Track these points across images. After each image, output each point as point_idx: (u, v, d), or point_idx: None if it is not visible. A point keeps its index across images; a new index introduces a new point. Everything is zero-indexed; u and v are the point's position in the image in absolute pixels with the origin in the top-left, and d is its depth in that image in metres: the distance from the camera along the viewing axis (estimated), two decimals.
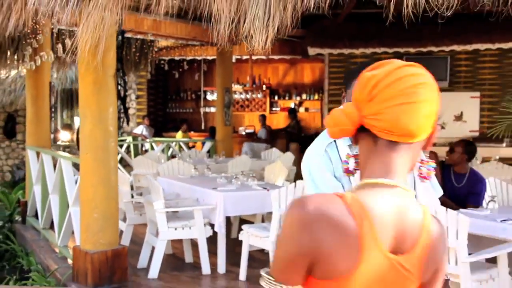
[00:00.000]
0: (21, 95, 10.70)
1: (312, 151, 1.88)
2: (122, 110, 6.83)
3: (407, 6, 2.49)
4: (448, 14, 2.49)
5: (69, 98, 12.16)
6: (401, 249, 1.06)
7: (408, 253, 1.07)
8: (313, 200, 1.04)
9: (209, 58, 11.10)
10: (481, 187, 4.60)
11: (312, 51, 9.94)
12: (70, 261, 5.36)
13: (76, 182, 5.36)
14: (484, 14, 2.96)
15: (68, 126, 11.34)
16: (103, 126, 4.66)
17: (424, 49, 9.64)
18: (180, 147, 10.27)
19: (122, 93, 6.81)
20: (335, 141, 1.83)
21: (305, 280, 1.07)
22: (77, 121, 12.89)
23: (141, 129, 11.34)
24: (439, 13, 2.51)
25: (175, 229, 5.03)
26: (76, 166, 5.50)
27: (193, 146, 11.34)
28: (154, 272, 4.95)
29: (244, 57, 11.06)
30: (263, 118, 11.93)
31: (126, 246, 4.97)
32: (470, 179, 4.72)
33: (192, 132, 12.35)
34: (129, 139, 10.43)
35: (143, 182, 7.29)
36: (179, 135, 11.58)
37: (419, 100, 1.08)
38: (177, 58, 11.09)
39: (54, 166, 6.30)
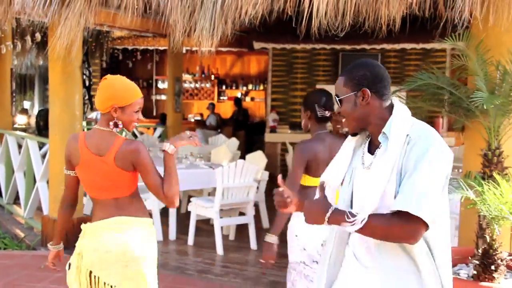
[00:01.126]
0: None
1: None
2: (87, 97, 7.46)
3: (314, 25, 3.36)
4: (341, 34, 3.40)
5: (22, 83, 12.52)
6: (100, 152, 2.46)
7: (104, 156, 2.44)
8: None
9: (161, 48, 11.76)
10: None
11: (257, 45, 10.79)
12: (36, 230, 6.05)
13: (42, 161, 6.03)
14: (412, 18, 3.66)
15: (24, 111, 11.72)
16: (70, 110, 5.37)
17: (358, 47, 10.67)
18: (133, 133, 10.92)
19: (87, 82, 7.44)
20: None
21: None
22: (26, 105, 13.24)
23: (95, 115, 11.88)
24: (335, 32, 3.41)
25: None
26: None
27: (142, 133, 12.00)
28: None
29: (194, 49, 11.78)
30: (212, 106, 12.71)
31: (88, 215, 5.70)
32: None
33: (143, 118, 12.99)
34: (83, 123, 10.98)
35: None
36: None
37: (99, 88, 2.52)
38: (130, 47, 11.70)
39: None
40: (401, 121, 1.87)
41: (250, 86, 13.74)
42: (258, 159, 6.67)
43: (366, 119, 1.95)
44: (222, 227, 5.69)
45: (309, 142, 3.11)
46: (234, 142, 8.95)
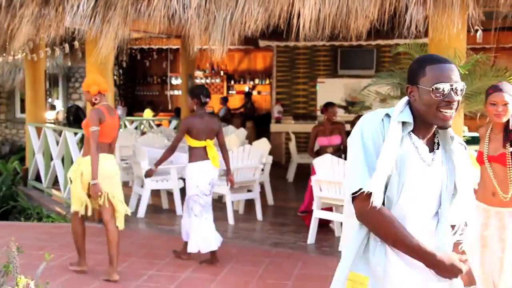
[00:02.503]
0: (7, 79, 12.16)
1: (367, 119, 1.92)
2: (118, 94, 8.51)
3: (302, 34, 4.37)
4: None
5: (51, 82, 13.60)
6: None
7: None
8: None
9: (174, 47, 12.79)
10: None
11: (262, 43, 11.79)
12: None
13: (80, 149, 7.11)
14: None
15: (53, 107, 12.81)
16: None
17: (354, 43, 11.63)
18: (149, 124, 12.00)
19: (117, 81, 8.47)
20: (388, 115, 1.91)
21: None
22: (54, 102, 14.32)
23: (120, 111, 12.96)
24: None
25: (156, 181, 6.86)
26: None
27: (160, 124, 13.05)
28: (141, 212, 6.78)
29: (204, 47, 12.80)
30: (224, 100, 13.72)
31: None
32: None
33: (161, 113, 14.07)
34: None
35: (123, 152, 9.03)
36: (147, 114, 13.25)
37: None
38: (146, 47, 12.75)
39: None
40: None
41: (256, 81, 14.75)
42: (263, 145, 7.69)
43: None
44: (232, 202, 6.73)
45: (191, 117, 5.06)
46: (243, 132, 9.97)
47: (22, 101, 13.92)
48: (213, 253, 5.04)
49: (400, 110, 1.91)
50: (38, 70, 8.88)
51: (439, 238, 1.94)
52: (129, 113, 13.72)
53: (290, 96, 12.01)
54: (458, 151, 1.96)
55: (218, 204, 7.34)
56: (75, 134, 7.54)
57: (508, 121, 3.32)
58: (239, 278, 4.68)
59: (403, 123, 1.89)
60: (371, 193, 1.80)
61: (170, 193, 7.24)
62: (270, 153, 7.77)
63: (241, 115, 13.74)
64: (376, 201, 1.81)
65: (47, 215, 7.23)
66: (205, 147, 5.01)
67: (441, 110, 1.86)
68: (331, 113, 7.01)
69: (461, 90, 1.89)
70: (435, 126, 1.92)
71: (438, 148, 1.96)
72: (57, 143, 7.95)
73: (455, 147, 1.95)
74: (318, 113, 10.95)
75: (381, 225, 1.84)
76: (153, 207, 7.29)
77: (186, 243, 5.10)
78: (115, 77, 7.98)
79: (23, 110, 14.03)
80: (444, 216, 1.95)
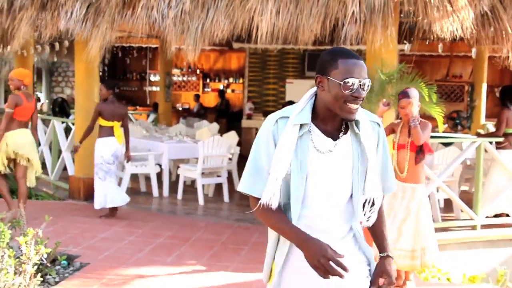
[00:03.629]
0: None
1: (264, 123, 2.01)
2: None
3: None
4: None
5: (34, 76, 14.31)
6: None
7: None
8: None
9: (153, 46, 13.62)
10: None
11: (235, 45, 12.70)
12: (61, 189, 7.96)
13: (67, 138, 7.96)
14: None
15: (38, 99, 13.52)
16: (91, 99, 7.28)
17: (321, 47, 12.63)
18: (130, 118, 12.82)
19: (101, 77, 9.29)
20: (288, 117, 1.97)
21: None
22: (38, 94, 14.96)
23: None
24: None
25: (136, 166, 7.75)
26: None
27: (137, 119, 13.87)
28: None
29: (182, 47, 13.69)
30: (197, 97, 14.62)
31: None
32: None
33: (138, 107, 14.90)
34: None
35: None
36: None
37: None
38: (126, 45, 13.57)
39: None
40: (360, 109, 2.02)
41: (231, 80, 15.67)
42: (231, 137, 8.63)
43: None
44: (203, 186, 7.65)
45: (104, 103, 6.39)
46: (215, 126, 10.88)
47: (6, 92, 14.60)
48: (114, 209, 6.50)
49: (299, 110, 1.97)
50: (27, 64, 9.64)
51: (356, 221, 2.02)
52: None
53: (261, 95, 12.97)
54: (366, 132, 1.99)
55: (190, 189, 8.26)
56: (62, 123, 8.36)
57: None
58: (205, 243, 5.62)
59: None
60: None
61: (147, 178, 8.13)
62: (239, 145, 8.70)
63: (215, 111, 14.65)
64: (266, 202, 1.93)
65: (35, 194, 8.04)
66: (112, 127, 6.41)
67: (348, 103, 1.90)
68: None
69: (367, 87, 1.93)
70: None
71: (346, 133, 2.00)
72: (44, 132, 8.76)
73: (363, 129, 1.99)
74: None
75: (266, 219, 1.98)
76: (131, 191, 8.16)
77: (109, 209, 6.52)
78: (100, 73, 8.74)
79: (5, 101, 14.74)
80: (356, 199, 2.00)
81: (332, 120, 1.99)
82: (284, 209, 2.00)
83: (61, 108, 10.63)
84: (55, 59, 11.44)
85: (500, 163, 6.28)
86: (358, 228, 2.04)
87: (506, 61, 5.92)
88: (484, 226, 6.24)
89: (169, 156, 7.86)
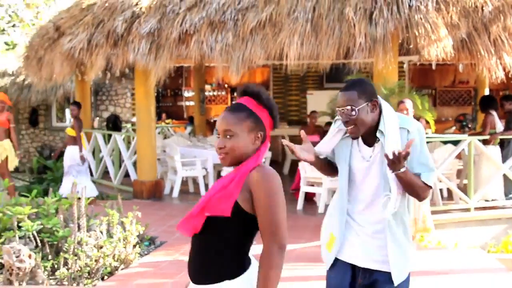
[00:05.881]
0: (50, 94, 14.62)
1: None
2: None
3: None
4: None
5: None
6: None
7: None
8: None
9: (185, 65, 15.23)
10: None
11: (259, 62, 14.22)
12: (119, 196, 9.54)
13: (128, 148, 9.55)
14: None
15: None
16: (149, 116, 8.86)
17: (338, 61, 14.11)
18: (168, 130, 14.44)
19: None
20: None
21: None
22: None
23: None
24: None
25: (186, 170, 9.30)
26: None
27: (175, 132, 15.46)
28: (175, 193, 9.20)
29: (212, 65, 15.29)
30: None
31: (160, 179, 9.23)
32: None
33: (174, 120, 16.54)
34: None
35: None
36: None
37: None
38: None
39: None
40: (390, 118, 2.48)
41: None
42: None
43: (372, 124, 2.49)
44: None
45: (77, 119, 8.56)
46: None
47: (57, 111, 16.36)
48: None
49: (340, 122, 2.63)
50: (85, 87, 11.33)
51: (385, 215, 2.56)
52: None
53: (285, 105, 14.48)
54: (390, 140, 2.45)
55: None
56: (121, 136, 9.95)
57: None
58: None
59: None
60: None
61: (195, 182, 9.68)
62: (269, 151, 10.21)
63: None
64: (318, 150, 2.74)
65: (102, 196, 9.62)
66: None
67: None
68: (313, 118, 9.51)
69: (350, 114, 2.46)
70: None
71: (378, 141, 2.52)
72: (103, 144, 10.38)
73: (387, 138, 2.46)
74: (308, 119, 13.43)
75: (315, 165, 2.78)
76: (181, 192, 9.69)
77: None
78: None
79: (58, 120, 16.50)
80: (382, 196, 2.55)
81: (369, 133, 2.56)
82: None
83: (114, 123, 12.28)
84: (107, 82, 13.07)
85: (486, 156, 7.67)
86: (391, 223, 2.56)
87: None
88: (477, 209, 7.61)
89: (213, 161, 9.39)
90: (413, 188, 2.48)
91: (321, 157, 2.75)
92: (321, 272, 5.22)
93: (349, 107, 2.45)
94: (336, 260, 2.69)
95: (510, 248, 6.39)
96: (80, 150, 8.58)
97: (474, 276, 5.27)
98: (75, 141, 8.58)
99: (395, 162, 2.38)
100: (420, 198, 2.54)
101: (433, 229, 5.95)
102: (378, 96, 2.53)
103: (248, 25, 7.00)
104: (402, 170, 2.39)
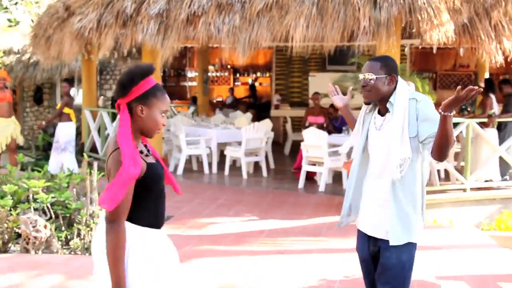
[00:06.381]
0: (55, 72, 14.78)
1: None
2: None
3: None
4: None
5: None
6: None
7: None
8: None
9: (189, 46, 15.36)
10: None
11: (264, 42, 14.36)
12: None
13: None
14: None
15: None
16: None
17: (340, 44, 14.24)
18: (172, 110, 14.63)
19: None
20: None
21: None
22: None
23: None
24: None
25: (190, 148, 9.52)
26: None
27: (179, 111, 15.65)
28: (180, 171, 9.43)
29: (215, 45, 15.42)
30: (231, 90, 16.39)
31: (165, 157, 9.45)
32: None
33: (177, 100, 16.72)
34: None
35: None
36: None
37: None
38: None
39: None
40: (402, 93, 2.73)
41: (258, 74, 17.39)
42: (266, 123, 10.34)
43: (385, 95, 2.75)
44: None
45: (68, 96, 9.27)
46: (249, 115, 12.62)
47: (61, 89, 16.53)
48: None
49: None
50: (92, 67, 11.50)
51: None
52: None
53: (287, 87, 14.66)
54: (398, 110, 2.69)
55: (232, 167, 10.01)
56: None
57: None
58: (254, 203, 7.36)
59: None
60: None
61: (198, 160, 9.91)
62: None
63: (245, 103, 16.40)
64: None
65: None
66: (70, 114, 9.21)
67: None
68: (316, 99, 9.71)
69: (369, 80, 2.73)
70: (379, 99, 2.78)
71: (388, 112, 2.76)
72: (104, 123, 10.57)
73: (396, 108, 2.70)
74: (310, 101, 13.61)
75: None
76: (186, 169, 9.94)
77: None
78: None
79: (62, 98, 16.66)
80: (392, 159, 2.73)
81: (383, 104, 2.81)
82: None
83: None
84: (112, 61, 13.24)
85: (485, 139, 7.90)
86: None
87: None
88: (473, 189, 7.85)
89: (217, 140, 9.61)
90: (449, 136, 2.53)
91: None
92: (320, 246, 5.53)
93: (369, 74, 2.73)
94: (358, 230, 2.98)
95: (503, 226, 6.65)
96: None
97: (467, 251, 5.54)
98: (69, 117, 9.11)
99: (459, 98, 2.42)
100: (448, 151, 2.61)
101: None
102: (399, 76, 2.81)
103: (255, 8, 7.17)
104: (452, 113, 2.49)
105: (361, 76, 2.78)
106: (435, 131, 2.58)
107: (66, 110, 9.10)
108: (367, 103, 2.85)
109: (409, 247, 2.80)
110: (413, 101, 2.71)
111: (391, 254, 2.77)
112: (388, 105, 2.75)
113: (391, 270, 2.78)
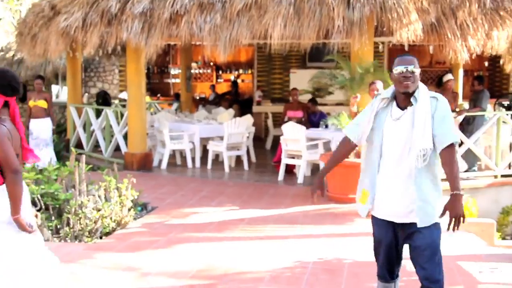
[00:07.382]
0: (40, 70, 14.95)
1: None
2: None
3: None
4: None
5: None
6: None
7: None
8: None
9: (172, 43, 15.64)
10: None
11: (245, 41, 14.69)
12: (115, 164, 10.06)
13: (118, 123, 10.03)
14: None
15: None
16: (140, 92, 9.34)
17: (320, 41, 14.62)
18: (155, 106, 14.90)
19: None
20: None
21: None
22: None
23: (124, 95, 15.79)
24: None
25: (174, 144, 9.83)
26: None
27: (163, 108, 15.90)
28: (164, 165, 9.74)
29: (198, 43, 15.70)
30: (213, 87, 16.69)
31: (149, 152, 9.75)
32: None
33: (161, 96, 16.97)
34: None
35: None
36: (147, 99, 16.12)
37: None
38: None
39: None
40: (424, 90, 2.99)
41: (240, 71, 17.72)
42: (248, 119, 10.68)
43: (416, 87, 2.98)
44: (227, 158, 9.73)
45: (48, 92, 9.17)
46: (231, 111, 12.94)
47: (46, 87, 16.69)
48: None
49: (386, 92, 3.12)
50: (77, 64, 11.73)
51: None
52: None
53: (268, 84, 15.02)
54: (422, 104, 2.90)
55: (216, 162, 10.33)
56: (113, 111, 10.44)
57: None
58: (236, 194, 7.70)
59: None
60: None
61: (182, 155, 10.22)
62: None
63: (227, 99, 16.71)
64: (357, 138, 3.17)
65: (93, 168, 10.10)
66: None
67: (401, 82, 2.94)
68: (294, 94, 10.11)
69: (413, 71, 2.94)
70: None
71: (411, 105, 2.94)
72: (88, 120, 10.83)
73: (420, 103, 2.91)
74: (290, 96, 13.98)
75: (338, 146, 3.37)
76: (170, 163, 10.23)
77: None
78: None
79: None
80: (413, 149, 2.94)
81: (404, 98, 3.00)
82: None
83: (104, 99, 12.74)
84: (96, 58, 13.46)
85: None
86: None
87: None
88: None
89: (200, 135, 9.93)
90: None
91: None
92: (297, 232, 5.90)
93: (414, 67, 2.95)
94: (375, 216, 3.17)
95: (467, 213, 7.09)
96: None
97: None
98: (49, 113, 9.50)
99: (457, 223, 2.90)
100: None
101: None
102: None
103: (235, 7, 7.51)
104: (460, 193, 2.98)
105: (403, 68, 2.93)
106: (448, 130, 2.93)
107: (43, 104, 9.37)
108: (405, 92, 2.97)
109: (437, 226, 3.04)
110: (434, 100, 2.95)
111: (423, 235, 2.98)
112: (412, 99, 2.95)
113: (427, 249, 2.99)
